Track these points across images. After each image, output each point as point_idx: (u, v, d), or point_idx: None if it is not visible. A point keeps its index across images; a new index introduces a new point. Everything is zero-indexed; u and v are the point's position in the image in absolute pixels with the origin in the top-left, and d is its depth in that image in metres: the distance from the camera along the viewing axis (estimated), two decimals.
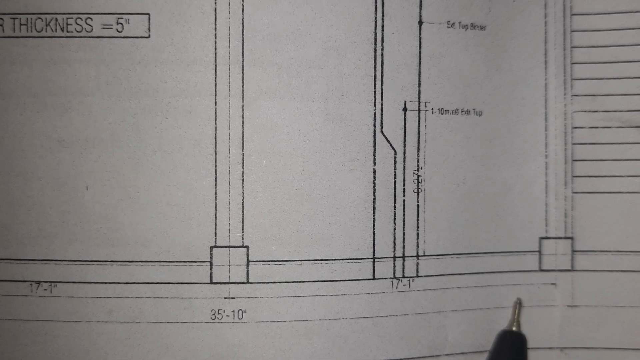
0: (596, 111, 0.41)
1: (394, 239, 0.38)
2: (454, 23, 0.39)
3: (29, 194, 0.36)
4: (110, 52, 0.35)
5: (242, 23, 0.36)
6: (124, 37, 0.36)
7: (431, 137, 0.39)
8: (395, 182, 0.38)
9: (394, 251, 0.38)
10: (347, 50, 0.37)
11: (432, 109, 0.39)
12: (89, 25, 0.35)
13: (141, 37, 0.36)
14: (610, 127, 0.40)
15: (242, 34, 0.36)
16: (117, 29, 0.35)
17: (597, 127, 0.41)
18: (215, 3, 0.36)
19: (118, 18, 0.35)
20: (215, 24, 0.36)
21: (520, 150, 0.41)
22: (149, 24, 0.36)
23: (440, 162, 0.39)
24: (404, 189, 0.38)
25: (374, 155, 0.38)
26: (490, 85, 0.40)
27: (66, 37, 0.36)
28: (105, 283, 0.36)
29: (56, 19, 0.35)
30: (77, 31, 0.36)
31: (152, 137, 0.36)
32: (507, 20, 0.40)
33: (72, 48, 0.36)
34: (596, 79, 0.41)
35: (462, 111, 0.39)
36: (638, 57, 0.40)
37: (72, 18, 0.35)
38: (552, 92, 0.41)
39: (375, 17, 0.38)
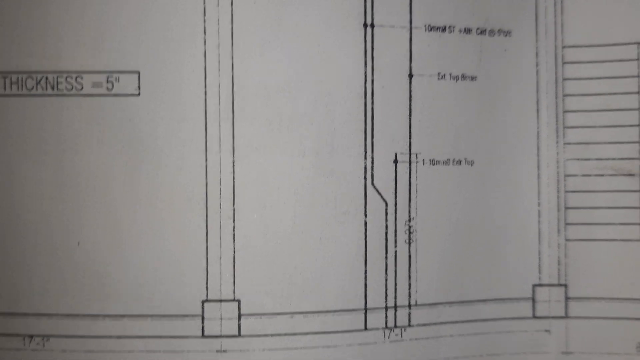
0: (589, 159, 0.41)
1: (386, 289, 0.39)
2: (444, 75, 0.39)
3: (21, 249, 0.36)
4: (100, 110, 0.35)
5: (232, 80, 0.36)
6: (114, 95, 0.36)
7: (422, 187, 0.39)
8: (386, 233, 0.38)
9: (385, 301, 0.38)
10: (337, 105, 0.37)
11: (423, 160, 0.39)
12: (79, 83, 0.36)
13: (131, 95, 0.36)
14: (603, 175, 0.40)
15: (232, 91, 0.36)
16: (107, 87, 0.36)
17: (589, 175, 0.41)
18: (205, 60, 0.36)
19: (108, 76, 0.36)
20: (205, 81, 0.36)
21: (513, 198, 0.41)
22: (139, 82, 0.36)
23: (432, 212, 0.39)
24: (395, 240, 0.38)
25: (365, 208, 0.38)
26: (481, 134, 0.40)
27: (57, 95, 0.36)
28: (98, 337, 0.36)
29: (46, 78, 0.36)
30: (68, 90, 0.36)
31: (143, 193, 0.36)
32: (498, 70, 0.40)
33: (62, 106, 0.35)
34: (588, 127, 0.41)
35: (454, 161, 0.39)
36: (630, 105, 0.40)
37: (62, 77, 0.35)
38: (545, 140, 0.41)
39: (365, 72, 0.38)
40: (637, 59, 0.40)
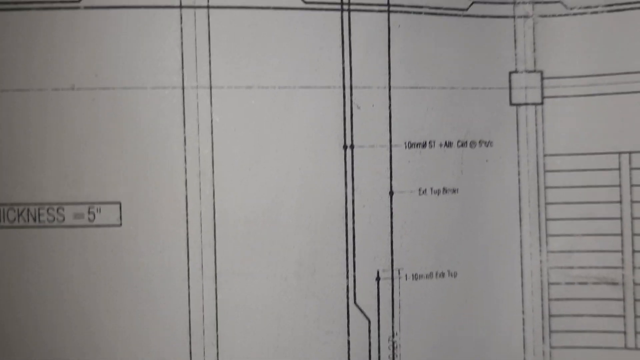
0: (572, 267, 0.41)
1: None
2: (425, 190, 0.39)
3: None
4: (82, 242, 0.36)
5: (214, 207, 0.37)
6: (95, 226, 0.36)
7: (405, 303, 0.39)
8: (370, 350, 0.39)
9: None
10: (318, 227, 0.37)
11: (406, 275, 0.39)
12: (61, 215, 0.36)
13: (113, 225, 0.36)
14: (586, 284, 0.40)
15: (214, 218, 0.37)
16: (88, 218, 0.36)
17: (573, 284, 0.41)
18: (186, 189, 0.36)
19: (89, 207, 0.36)
20: (187, 209, 0.36)
21: (497, 308, 0.41)
22: (121, 213, 0.36)
23: (416, 326, 0.39)
24: (379, 357, 0.39)
25: (348, 327, 0.38)
26: (464, 246, 0.40)
27: (38, 227, 0.36)
28: None
29: (28, 209, 0.36)
30: (49, 221, 0.36)
31: (126, 323, 0.36)
32: (480, 181, 0.40)
33: (44, 238, 0.36)
34: (571, 235, 0.41)
35: (437, 274, 0.40)
36: (612, 214, 0.40)
37: (44, 208, 0.36)
38: (527, 249, 0.41)
39: (346, 192, 0.38)
40: (619, 169, 0.40)
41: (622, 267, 0.40)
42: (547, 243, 0.41)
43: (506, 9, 0.41)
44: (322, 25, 0.38)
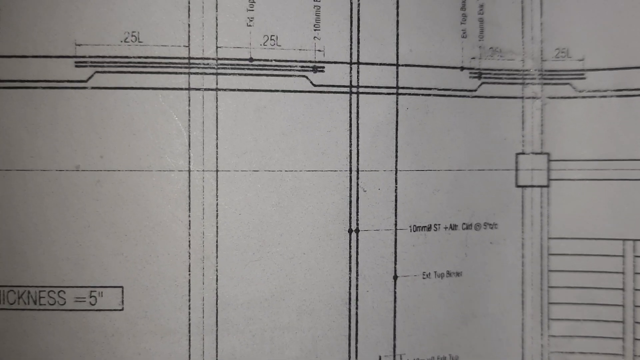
0: (573, 352, 0.41)
1: None
2: (429, 273, 0.39)
3: None
4: (82, 326, 0.35)
5: (216, 293, 0.36)
6: (97, 310, 0.35)
7: None
8: None
9: None
10: (321, 313, 0.37)
11: None
12: (62, 298, 0.35)
13: (114, 309, 0.35)
14: None
15: (216, 304, 0.36)
16: (90, 302, 0.35)
17: None
18: (190, 274, 0.36)
19: (91, 291, 0.35)
20: (189, 295, 0.36)
21: None
22: (123, 297, 0.35)
23: None
24: None
25: None
26: (466, 330, 0.40)
27: (38, 309, 0.35)
28: None
29: (29, 292, 0.35)
30: (50, 304, 0.35)
31: None
32: (484, 263, 0.40)
33: (44, 321, 0.35)
34: (573, 320, 0.40)
35: (438, 358, 0.39)
36: (614, 301, 0.40)
37: (44, 291, 0.35)
38: (529, 332, 0.41)
39: (350, 277, 0.37)
40: (623, 256, 0.40)
41: (623, 355, 0.40)
42: (548, 327, 0.41)
43: (515, 90, 0.41)
44: (331, 108, 0.37)
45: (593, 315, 0.41)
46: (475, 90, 0.40)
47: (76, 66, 0.35)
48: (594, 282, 0.41)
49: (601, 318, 0.41)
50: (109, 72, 0.35)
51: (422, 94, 0.39)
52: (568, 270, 0.41)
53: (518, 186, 0.41)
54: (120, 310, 0.36)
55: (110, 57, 0.35)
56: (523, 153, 0.41)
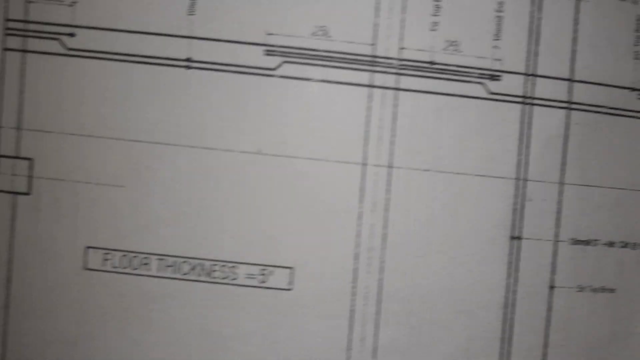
0: None
1: None
2: (584, 287, 0.40)
3: None
4: (251, 302, 0.37)
5: (380, 284, 0.38)
6: (266, 288, 0.37)
7: None
8: None
9: None
10: (477, 314, 0.39)
11: None
12: (234, 273, 0.37)
13: (284, 289, 0.37)
14: None
15: (379, 294, 0.38)
16: (260, 280, 0.37)
17: None
18: (357, 263, 0.37)
19: (262, 269, 0.37)
20: (354, 283, 0.37)
21: None
22: (292, 278, 0.37)
23: None
24: None
25: None
26: (616, 347, 0.40)
27: (210, 282, 0.37)
28: None
29: (202, 264, 0.37)
30: (222, 278, 0.37)
31: None
32: (638, 283, 0.40)
33: (216, 293, 0.37)
34: None
35: None
36: None
37: (217, 265, 0.37)
38: None
39: (508, 283, 0.39)
40: None
41: None
42: None
43: None
44: (504, 117, 0.39)
45: None
46: None
47: (266, 54, 0.37)
48: None
49: None
50: (297, 62, 0.37)
51: (593, 111, 0.40)
52: None
53: None
54: (289, 290, 0.38)
55: (298, 48, 0.37)
56: None
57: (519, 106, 0.39)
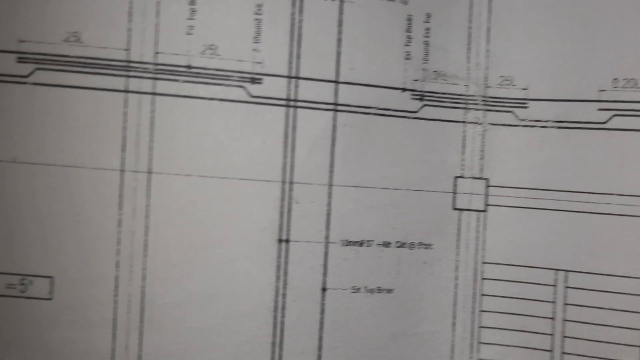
0: None
1: None
2: (359, 288, 0.39)
3: None
4: (12, 312, 0.37)
5: (142, 291, 0.37)
6: (27, 298, 0.37)
7: None
8: None
9: None
10: (246, 319, 0.38)
11: None
12: None
13: (43, 298, 0.37)
14: None
15: (142, 302, 0.37)
16: (20, 290, 0.37)
17: None
18: (117, 271, 0.37)
19: (22, 279, 0.37)
20: (116, 291, 0.37)
21: None
22: (52, 287, 0.37)
23: None
24: None
25: None
26: (395, 347, 0.40)
27: None
28: None
29: None
30: None
31: None
32: (416, 284, 0.41)
33: None
34: (503, 345, 0.41)
35: None
36: (543, 329, 0.40)
37: None
38: (459, 355, 0.41)
39: (277, 286, 0.38)
40: (554, 285, 0.40)
41: None
42: (478, 350, 0.41)
43: (457, 114, 0.42)
44: (267, 120, 0.38)
45: (522, 342, 0.41)
46: (416, 112, 0.41)
47: (18, 62, 0.37)
48: (525, 310, 0.41)
49: (530, 345, 0.41)
50: (50, 69, 0.37)
51: (362, 112, 0.40)
52: (500, 295, 0.41)
53: (455, 209, 0.42)
54: (49, 299, 0.37)
55: (51, 55, 0.37)
56: (462, 177, 0.42)
57: (282, 109, 0.39)
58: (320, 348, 0.39)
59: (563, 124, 0.41)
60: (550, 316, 0.41)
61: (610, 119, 0.40)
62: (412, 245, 0.41)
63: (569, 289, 0.40)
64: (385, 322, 0.40)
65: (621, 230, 0.39)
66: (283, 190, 0.39)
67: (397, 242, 0.40)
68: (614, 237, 0.39)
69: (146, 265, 0.38)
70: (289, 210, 0.39)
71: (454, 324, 0.41)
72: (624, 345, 0.39)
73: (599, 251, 0.40)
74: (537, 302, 0.41)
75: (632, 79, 0.40)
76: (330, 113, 0.39)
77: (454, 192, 0.41)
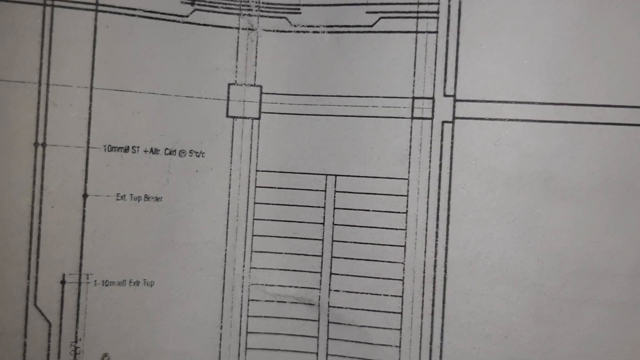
0: (272, 285, 0.41)
1: None
2: (124, 195, 0.38)
3: None
4: None
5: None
6: None
7: (92, 308, 0.38)
8: (49, 354, 0.37)
9: None
10: (2, 225, 0.36)
11: (95, 281, 0.38)
12: None
13: None
14: (285, 302, 0.40)
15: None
16: None
17: (272, 301, 0.40)
18: None
19: None
20: None
21: (194, 321, 0.41)
22: None
23: (103, 333, 0.38)
24: None
25: (26, 329, 0.37)
26: (164, 256, 0.39)
27: None
28: None
29: None
30: None
31: None
32: (187, 192, 0.40)
33: None
34: (275, 252, 0.41)
35: (131, 282, 0.39)
36: (315, 235, 0.40)
37: None
38: (231, 264, 0.41)
39: (34, 192, 0.37)
40: (325, 190, 0.40)
41: (319, 289, 0.40)
42: (250, 259, 0.40)
43: (231, 20, 0.41)
44: (22, 20, 0.37)
45: (294, 249, 0.41)
46: (187, 17, 0.39)
47: None
48: (296, 216, 0.40)
49: (301, 252, 0.40)
50: None
51: (126, 14, 0.38)
52: (273, 203, 0.40)
53: (229, 117, 0.40)
54: None
55: None
56: (235, 84, 0.40)
57: (39, 7, 0.37)
58: (81, 256, 0.38)
59: (334, 29, 0.40)
60: (321, 221, 0.40)
61: (377, 21, 0.39)
62: (182, 153, 0.40)
63: (338, 193, 0.40)
64: (154, 231, 0.39)
65: (387, 131, 0.39)
66: (39, 92, 0.37)
67: (166, 149, 0.39)
68: (380, 138, 0.39)
69: None
70: (46, 113, 0.37)
71: (227, 233, 0.40)
72: (389, 245, 0.39)
73: (366, 154, 0.39)
74: (308, 208, 0.40)
75: None
76: (92, 13, 0.38)
77: (228, 100, 0.40)
